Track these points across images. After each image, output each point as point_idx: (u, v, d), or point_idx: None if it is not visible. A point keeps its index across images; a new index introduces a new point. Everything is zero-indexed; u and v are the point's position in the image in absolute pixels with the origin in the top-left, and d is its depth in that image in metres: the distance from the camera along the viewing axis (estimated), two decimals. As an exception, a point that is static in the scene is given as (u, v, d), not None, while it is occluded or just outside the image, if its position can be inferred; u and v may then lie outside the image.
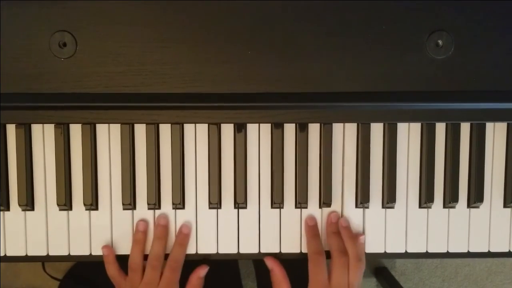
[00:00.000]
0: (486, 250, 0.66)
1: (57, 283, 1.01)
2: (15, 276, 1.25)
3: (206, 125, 0.64)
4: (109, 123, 0.63)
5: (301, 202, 0.64)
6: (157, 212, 0.65)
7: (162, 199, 0.64)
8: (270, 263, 0.64)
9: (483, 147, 0.65)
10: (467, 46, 0.60)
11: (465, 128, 0.65)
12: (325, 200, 0.64)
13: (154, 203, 0.64)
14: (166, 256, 0.64)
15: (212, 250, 0.65)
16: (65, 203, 0.63)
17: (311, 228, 0.64)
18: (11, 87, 0.59)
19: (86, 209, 0.64)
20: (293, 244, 0.65)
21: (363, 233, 0.65)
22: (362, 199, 0.64)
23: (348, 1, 0.59)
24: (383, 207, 0.65)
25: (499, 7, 0.60)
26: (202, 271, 0.64)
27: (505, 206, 0.66)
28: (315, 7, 0.59)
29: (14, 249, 0.64)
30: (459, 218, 0.66)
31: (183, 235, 0.64)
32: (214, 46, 0.60)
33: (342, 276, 0.61)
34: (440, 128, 0.65)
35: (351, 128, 0.65)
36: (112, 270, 0.64)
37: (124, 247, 0.64)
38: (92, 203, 0.63)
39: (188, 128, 0.64)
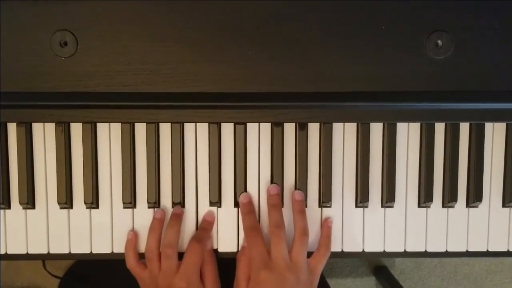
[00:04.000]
0: (485, 250, 0.66)
1: (58, 281, 1.01)
2: (16, 274, 1.25)
3: (207, 124, 0.64)
4: (109, 122, 0.63)
5: (300, 201, 0.64)
6: (157, 210, 0.65)
7: (162, 198, 0.65)
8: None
9: (482, 147, 0.65)
10: (466, 46, 0.60)
11: (464, 128, 0.65)
12: (324, 199, 0.64)
13: (154, 201, 0.64)
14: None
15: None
16: (66, 201, 0.63)
17: (244, 205, 0.64)
18: (12, 86, 0.60)
19: (87, 208, 0.64)
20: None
21: (363, 233, 0.66)
22: (362, 199, 0.64)
23: (347, 1, 0.60)
24: (382, 206, 0.65)
25: (499, 7, 0.60)
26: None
27: (503, 205, 0.66)
28: (315, 7, 0.60)
29: (15, 247, 0.65)
30: (458, 217, 0.66)
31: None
32: (215, 45, 0.60)
33: (281, 248, 0.59)
34: (440, 128, 0.65)
35: (351, 128, 0.65)
36: (131, 259, 0.63)
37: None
38: (92, 202, 0.63)
39: (189, 127, 0.64)
